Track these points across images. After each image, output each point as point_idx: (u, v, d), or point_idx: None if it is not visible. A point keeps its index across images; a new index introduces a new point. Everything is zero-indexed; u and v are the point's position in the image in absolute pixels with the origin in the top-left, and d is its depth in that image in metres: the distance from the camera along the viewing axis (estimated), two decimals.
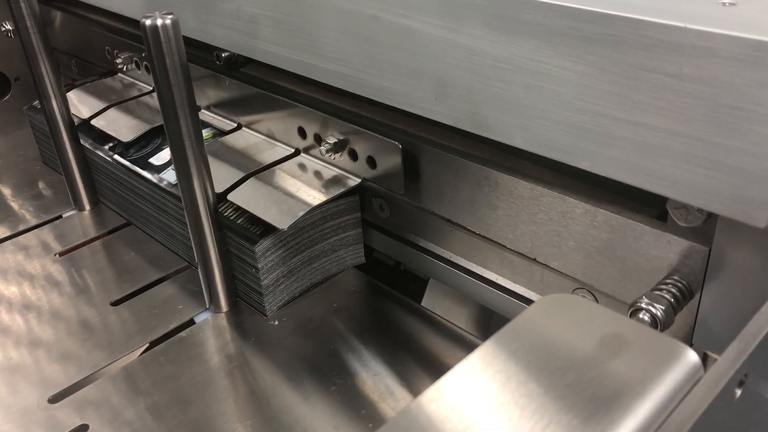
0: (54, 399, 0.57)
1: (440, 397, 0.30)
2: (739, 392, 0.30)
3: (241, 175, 0.67)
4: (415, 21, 0.48)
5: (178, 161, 0.58)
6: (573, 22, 0.40)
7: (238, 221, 0.64)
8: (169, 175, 0.72)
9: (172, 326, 0.65)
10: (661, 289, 0.45)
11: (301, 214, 0.61)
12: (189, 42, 0.57)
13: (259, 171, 0.68)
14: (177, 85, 0.55)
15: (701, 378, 0.30)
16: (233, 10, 0.63)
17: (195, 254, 0.63)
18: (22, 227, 0.82)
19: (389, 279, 0.72)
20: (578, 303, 0.35)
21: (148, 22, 0.53)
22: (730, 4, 0.38)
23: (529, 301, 0.58)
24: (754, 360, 0.30)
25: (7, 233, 0.81)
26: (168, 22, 0.53)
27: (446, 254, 0.64)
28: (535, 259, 0.54)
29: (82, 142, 0.81)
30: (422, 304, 0.70)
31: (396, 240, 0.68)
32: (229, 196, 0.65)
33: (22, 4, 0.73)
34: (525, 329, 0.33)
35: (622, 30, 0.38)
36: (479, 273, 0.62)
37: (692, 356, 0.31)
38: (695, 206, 0.40)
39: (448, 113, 0.50)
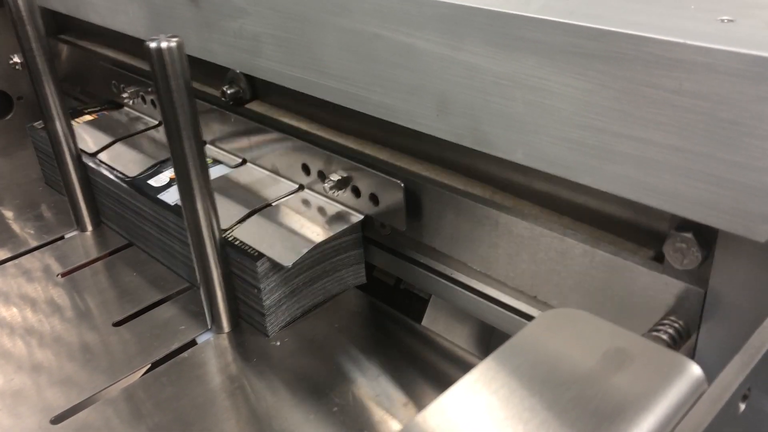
0: (55, 420, 0.57)
1: (442, 412, 0.30)
2: (742, 407, 0.30)
3: (245, 211, 0.67)
4: (416, 39, 0.49)
5: (182, 181, 0.58)
6: (574, 39, 0.40)
7: (238, 242, 0.64)
8: (168, 197, 0.72)
9: (174, 347, 0.64)
10: (658, 330, 0.45)
11: (305, 251, 0.62)
12: (195, 78, 0.57)
13: (264, 207, 0.68)
14: (181, 106, 0.55)
15: (705, 392, 0.30)
16: (236, 28, 0.63)
17: (197, 274, 0.63)
18: (23, 248, 0.82)
19: (388, 298, 0.72)
20: (581, 317, 0.35)
21: (152, 44, 0.53)
22: (729, 20, 0.38)
23: (530, 318, 0.58)
24: (757, 374, 0.30)
25: (9, 254, 0.81)
26: (173, 44, 0.53)
27: (447, 271, 0.64)
28: (535, 297, 0.54)
29: (84, 161, 0.82)
30: (422, 323, 0.70)
31: (397, 257, 0.68)
32: (234, 233, 0.65)
33: (28, 27, 0.73)
34: (527, 344, 0.33)
35: (622, 46, 0.38)
36: (480, 289, 0.61)
37: (696, 370, 0.31)
38: (696, 221, 0.40)
39: (449, 129, 0.50)
